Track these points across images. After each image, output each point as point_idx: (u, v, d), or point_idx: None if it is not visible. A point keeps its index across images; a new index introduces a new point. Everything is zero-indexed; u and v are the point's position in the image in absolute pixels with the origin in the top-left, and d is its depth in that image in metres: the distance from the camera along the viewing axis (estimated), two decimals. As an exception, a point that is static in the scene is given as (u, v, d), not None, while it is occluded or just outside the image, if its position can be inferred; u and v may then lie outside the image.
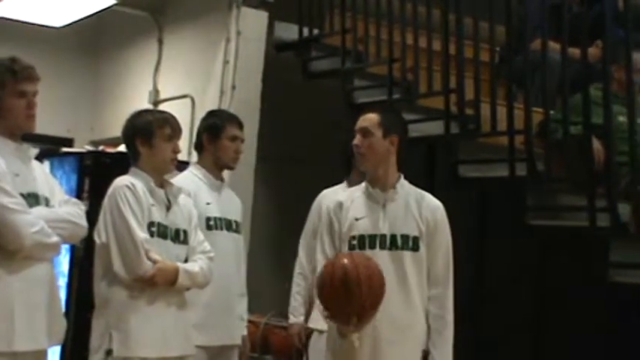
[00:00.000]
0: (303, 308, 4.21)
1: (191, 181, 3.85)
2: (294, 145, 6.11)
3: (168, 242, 3.39)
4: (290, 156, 6.10)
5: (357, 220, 3.35)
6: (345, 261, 3.09)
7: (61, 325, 3.25)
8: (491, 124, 4.56)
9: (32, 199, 3.12)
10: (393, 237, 3.32)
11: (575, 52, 4.36)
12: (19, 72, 3.14)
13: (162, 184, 3.46)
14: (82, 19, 6.44)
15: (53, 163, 5.58)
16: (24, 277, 3.06)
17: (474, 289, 4.29)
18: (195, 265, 3.42)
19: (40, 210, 3.12)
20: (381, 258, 3.28)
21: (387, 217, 3.35)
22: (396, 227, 3.34)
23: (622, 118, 4.20)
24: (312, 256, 3.72)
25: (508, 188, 4.55)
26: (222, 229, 3.88)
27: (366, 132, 3.38)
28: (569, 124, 4.27)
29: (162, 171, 3.46)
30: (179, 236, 3.43)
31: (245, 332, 4.01)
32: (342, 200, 3.42)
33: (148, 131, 3.41)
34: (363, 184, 3.44)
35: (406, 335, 3.31)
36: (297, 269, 4.26)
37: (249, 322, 4.59)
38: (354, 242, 3.32)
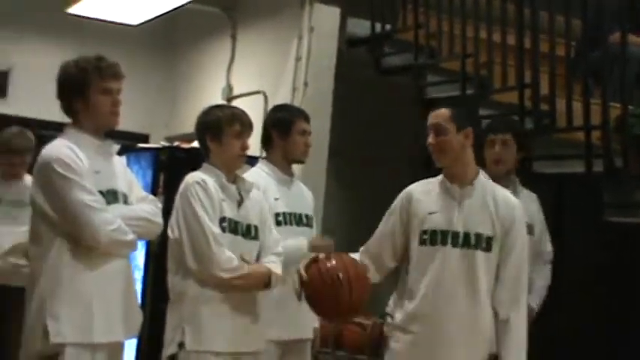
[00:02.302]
0: None
1: (259, 176, 3.84)
2: (366, 142, 6.09)
3: (239, 238, 3.40)
4: (362, 152, 6.09)
5: (430, 214, 3.28)
6: (335, 262, 3.22)
7: (137, 318, 3.30)
8: (567, 119, 4.49)
9: (111, 195, 3.18)
10: (467, 235, 3.24)
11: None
12: (105, 69, 3.19)
13: (235, 179, 3.48)
14: (157, 17, 6.54)
15: (130, 158, 5.65)
16: (102, 272, 3.12)
17: (549, 287, 4.23)
18: (278, 268, 3.43)
19: (118, 208, 3.18)
20: (452, 255, 3.23)
21: (463, 213, 3.26)
22: (471, 225, 3.25)
23: None
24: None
25: (584, 185, 4.47)
26: (291, 224, 3.88)
27: (439, 128, 3.29)
28: (649, 120, 4.18)
29: (231, 167, 3.47)
30: (250, 232, 3.44)
31: (317, 324, 4.01)
32: (413, 193, 3.37)
33: (218, 128, 3.42)
34: (439, 178, 3.36)
35: (472, 337, 3.23)
36: None
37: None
38: (426, 237, 3.26)
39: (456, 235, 3.24)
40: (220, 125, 3.43)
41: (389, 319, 3.36)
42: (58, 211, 3.06)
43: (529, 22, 4.71)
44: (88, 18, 6.65)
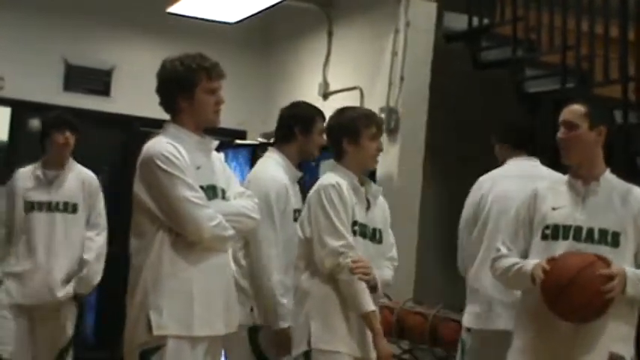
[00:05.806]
0: None
1: None
2: (464, 138, 6.03)
3: (367, 241, 3.44)
4: (459, 148, 6.03)
5: (553, 209, 3.26)
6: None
7: (236, 314, 3.34)
8: (674, 113, 4.35)
9: (211, 191, 3.22)
10: (590, 230, 3.19)
11: None
12: (211, 69, 3.25)
13: (362, 182, 3.49)
14: (254, 15, 6.61)
15: (228, 154, 5.78)
16: (203, 266, 3.17)
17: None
18: (389, 274, 3.48)
19: (218, 203, 3.22)
20: (574, 250, 3.17)
21: (586, 209, 3.22)
22: (595, 220, 3.20)
23: None
24: None
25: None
26: None
27: (571, 125, 3.26)
28: None
29: (366, 168, 3.52)
30: (376, 236, 3.48)
31: None
32: (538, 189, 3.35)
33: (355, 130, 3.45)
34: (566, 175, 3.34)
35: (591, 333, 3.13)
36: None
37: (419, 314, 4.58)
38: (547, 232, 3.24)
39: (578, 229, 3.20)
40: (358, 127, 3.45)
41: None
42: (161, 207, 3.12)
43: (633, 12, 4.58)
44: (187, 17, 6.78)
